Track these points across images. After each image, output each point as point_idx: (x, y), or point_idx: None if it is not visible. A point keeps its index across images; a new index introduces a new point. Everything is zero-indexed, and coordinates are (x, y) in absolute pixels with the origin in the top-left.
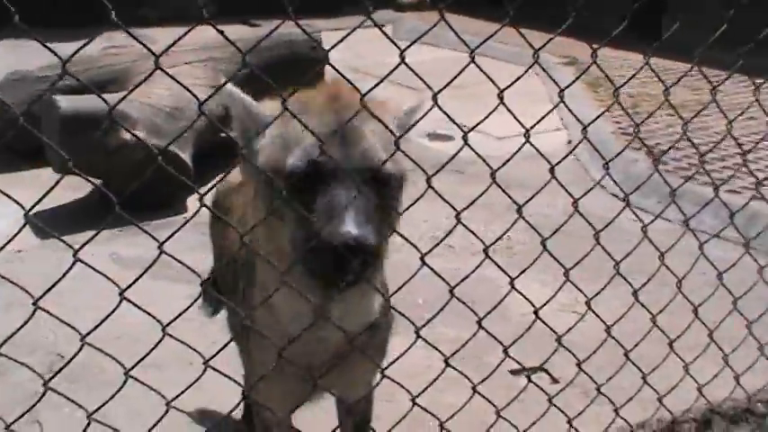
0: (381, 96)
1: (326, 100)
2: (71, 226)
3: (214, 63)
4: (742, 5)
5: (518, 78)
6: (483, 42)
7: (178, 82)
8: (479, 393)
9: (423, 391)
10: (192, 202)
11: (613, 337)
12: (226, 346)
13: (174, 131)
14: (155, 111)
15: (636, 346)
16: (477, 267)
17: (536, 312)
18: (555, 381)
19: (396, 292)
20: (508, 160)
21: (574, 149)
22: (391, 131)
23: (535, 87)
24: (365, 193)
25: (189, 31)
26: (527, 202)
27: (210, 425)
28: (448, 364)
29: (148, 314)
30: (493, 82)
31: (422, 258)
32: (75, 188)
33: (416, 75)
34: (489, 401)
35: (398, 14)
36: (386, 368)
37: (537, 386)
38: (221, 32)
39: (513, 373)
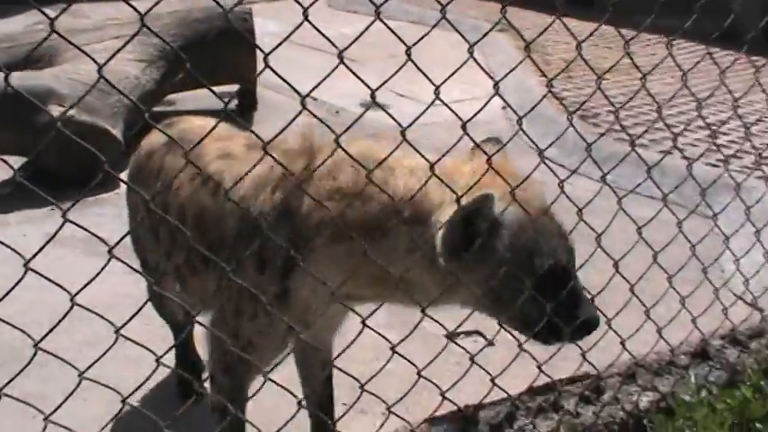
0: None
1: (549, 222)
2: (2, 206)
3: (144, 37)
4: None
5: (424, 36)
6: (386, 1)
7: (74, 45)
8: (399, 354)
9: (338, 356)
10: (124, 177)
11: (534, 295)
12: (135, 315)
13: (105, 107)
14: (85, 87)
15: None
16: None
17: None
18: (490, 343)
19: None
20: (417, 119)
21: (486, 105)
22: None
23: (474, 56)
24: None
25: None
26: (438, 160)
27: (140, 397)
28: (366, 326)
29: (56, 284)
30: (400, 39)
31: None
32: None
33: (325, 37)
34: (410, 362)
35: None
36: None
37: (460, 346)
38: (127, 2)
39: (448, 336)
